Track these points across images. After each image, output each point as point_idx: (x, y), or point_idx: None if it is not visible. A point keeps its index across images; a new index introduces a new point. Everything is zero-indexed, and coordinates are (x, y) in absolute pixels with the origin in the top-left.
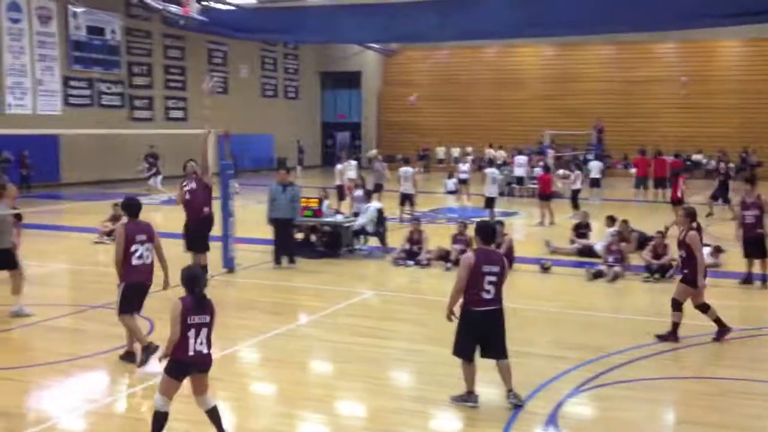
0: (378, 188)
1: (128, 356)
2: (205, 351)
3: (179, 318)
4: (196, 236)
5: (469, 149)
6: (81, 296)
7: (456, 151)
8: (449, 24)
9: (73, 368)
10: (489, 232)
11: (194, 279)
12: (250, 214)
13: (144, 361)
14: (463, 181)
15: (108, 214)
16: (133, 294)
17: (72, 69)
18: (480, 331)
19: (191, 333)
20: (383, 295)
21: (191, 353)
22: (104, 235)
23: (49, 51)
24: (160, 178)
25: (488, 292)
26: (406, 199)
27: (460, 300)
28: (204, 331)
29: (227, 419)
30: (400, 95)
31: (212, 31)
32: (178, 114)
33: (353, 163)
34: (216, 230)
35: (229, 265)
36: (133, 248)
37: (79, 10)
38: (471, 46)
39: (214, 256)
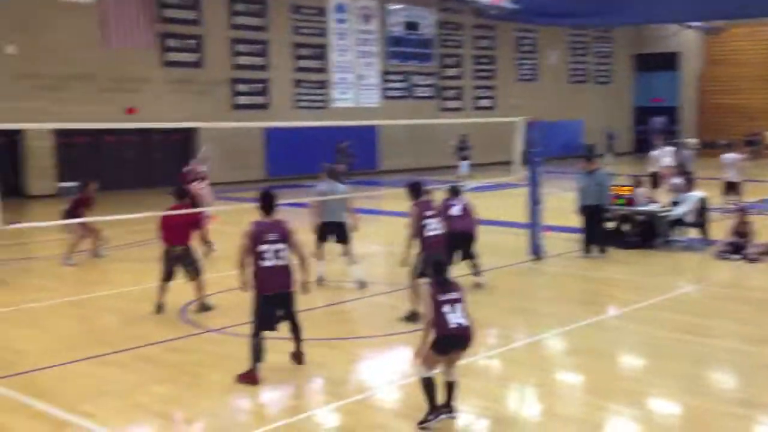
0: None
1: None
2: (465, 323)
3: (430, 299)
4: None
5: None
6: (395, 276)
7: None
8: None
9: (390, 342)
10: None
11: (440, 265)
12: (557, 201)
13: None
14: None
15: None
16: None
17: (389, 63)
18: None
19: (446, 308)
20: (704, 291)
21: (453, 326)
22: None
23: (369, 47)
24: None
25: None
26: (730, 188)
27: None
28: (458, 305)
29: (536, 405)
30: (725, 76)
31: (523, 19)
32: (487, 103)
33: (669, 149)
34: (523, 217)
35: (537, 252)
36: (424, 222)
37: (397, 7)
38: None
39: (521, 242)
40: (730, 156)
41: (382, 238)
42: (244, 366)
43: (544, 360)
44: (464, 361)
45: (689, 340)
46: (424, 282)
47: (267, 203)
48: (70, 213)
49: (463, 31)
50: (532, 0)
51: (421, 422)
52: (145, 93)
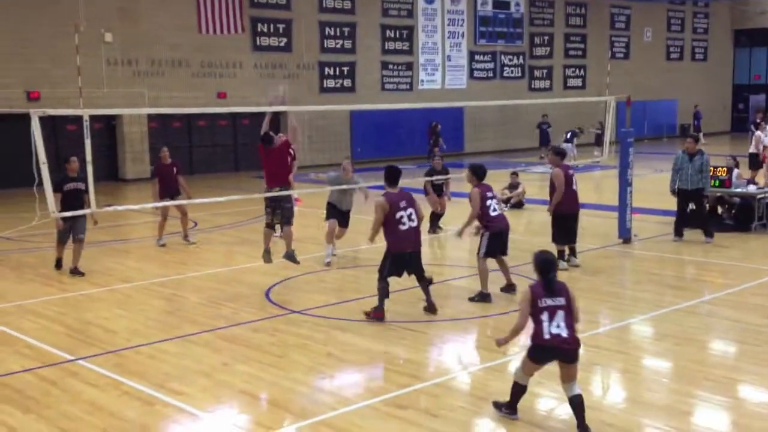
0: None
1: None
2: (565, 334)
3: (528, 304)
4: None
5: None
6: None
7: None
8: None
9: (471, 326)
10: None
11: (548, 263)
12: (648, 183)
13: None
14: None
15: (506, 182)
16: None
17: (478, 44)
18: None
19: (544, 316)
20: None
21: (547, 336)
22: (502, 202)
23: (458, 28)
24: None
25: None
26: None
27: None
28: (560, 313)
29: (621, 391)
30: None
31: None
32: (577, 82)
33: None
34: (613, 199)
35: (625, 235)
36: (487, 203)
37: None
38: None
39: (610, 225)
40: None
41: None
42: (325, 347)
43: (631, 345)
44: None
45: None
46: (530, 284)
47: (393, 177)
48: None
49: (555, 8)
50: None
51: (497, 404)
52: (236, 78)
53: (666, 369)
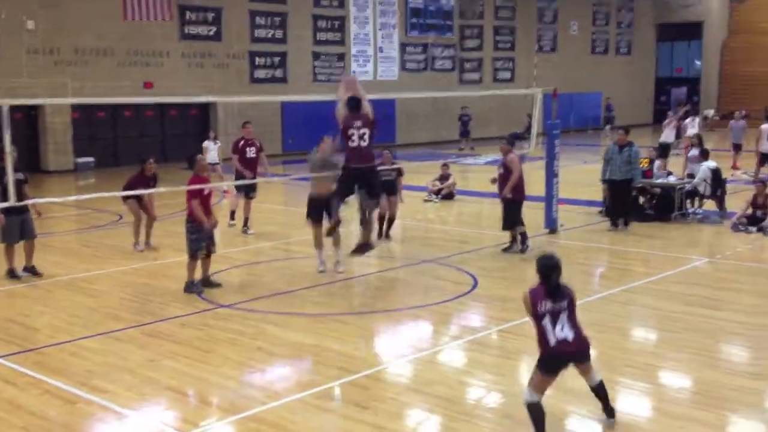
0: (737, 148)
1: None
2: (571, 337)
3: (530, 310)
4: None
5: None
6: (412, 251)
7: None
8: None
9: (403, 317)
10: None
11: (551, 268)
12: (574, 174)
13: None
14: None
15: (436, 174)
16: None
17: (408, 36)
18: None
19: (546, 321)
20: (719, 263)
21: (553, 343)
22: (433, 193)
23: (389, 19)
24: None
25: None
26: (766, 158)
27: None
28: (562, 316)
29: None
30: (749, 45)
31: None
32: (506, 75)
33: (691, 119)
34: (539, 190)
35: (551, 225)
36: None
37: None
38: None
39: (537, 215)
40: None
41: (400, 212)
42: (255, 342)
43: None
44: (474, 336)
45: (703, 313)
46: (529, 288)
47: (354, 104)
48: (130, 190)
49: (484, 1)
50: None
51: None
52: (162, 67)
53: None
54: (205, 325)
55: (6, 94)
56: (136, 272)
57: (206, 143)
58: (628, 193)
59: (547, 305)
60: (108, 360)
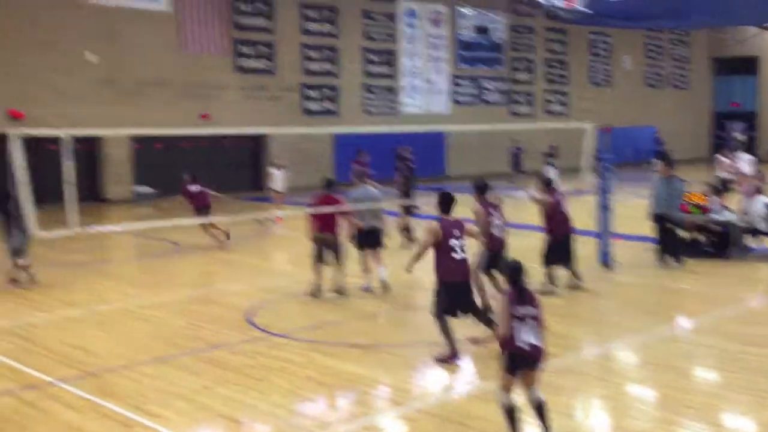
0: None
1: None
2: (535, 342)
3: (507, 311)
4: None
5: None
6: None
7: None
8: None
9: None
10: None
11: (518, 271)
12: (630, 209)
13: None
14: None
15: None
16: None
17: (459, 68)
18: None
19: (515, 324)
20: None
21: (518, 344)
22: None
23: (439, 53)
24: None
25: None
26: None
27: None
28: (530, 322)
29: (603, 418)
30: None
31: (597, 22)
32: (558, 108)
33: (747, 156)
34: (592, 225)
35: (606, 260)
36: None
37: (468, 12)
38: None
39: (589, 251)
40: None
41: None
42: (305, 371)
43: (611, 372)
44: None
45: (761, 353)
46: (503, 290)
47: (446, 203)
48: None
49: (535, 34)
50: (605, 3)
51: None
52: (219, 100)
53: (648, 396)
54: (257, 353)
55: (69, 124)
56: (192, 300)
57: (271, 170)
58: (667, 228)
59: (519, 310)
60: (163, 385)
